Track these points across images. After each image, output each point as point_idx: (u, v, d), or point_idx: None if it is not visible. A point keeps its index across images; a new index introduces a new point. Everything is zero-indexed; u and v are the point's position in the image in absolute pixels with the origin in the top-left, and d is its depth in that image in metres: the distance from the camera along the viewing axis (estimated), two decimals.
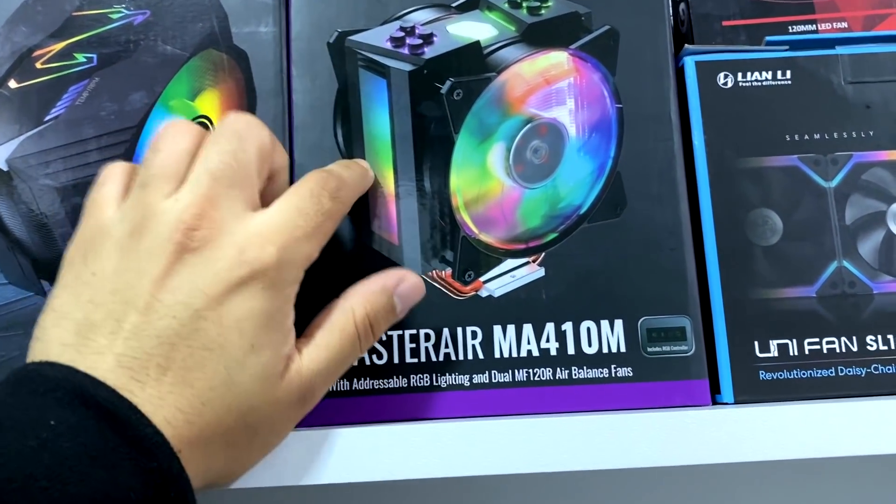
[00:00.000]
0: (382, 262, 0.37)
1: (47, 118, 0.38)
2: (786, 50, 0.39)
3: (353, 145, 0.38)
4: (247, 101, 0.38)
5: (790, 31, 0.44)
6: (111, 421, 0.26)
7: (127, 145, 0.38)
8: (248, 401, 0.29)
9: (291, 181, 0.35)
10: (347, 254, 0.37)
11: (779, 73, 0.39)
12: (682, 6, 0.45)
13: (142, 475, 0.26)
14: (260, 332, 0.29)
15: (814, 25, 0.44)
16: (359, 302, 0.33)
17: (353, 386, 0.36)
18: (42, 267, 0.37)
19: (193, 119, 0.38)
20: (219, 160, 0.30)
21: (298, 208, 0.31)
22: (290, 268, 0.30)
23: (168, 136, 0.32)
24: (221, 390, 0.29)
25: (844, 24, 0.44)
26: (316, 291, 0.34)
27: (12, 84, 0.38)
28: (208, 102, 0.38)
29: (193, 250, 0.29)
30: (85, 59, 0.39)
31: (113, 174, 0.33)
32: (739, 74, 0.39)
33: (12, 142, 0.38)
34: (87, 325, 0.28)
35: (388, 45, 0.38)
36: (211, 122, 0.38)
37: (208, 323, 0.28)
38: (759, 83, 0.39)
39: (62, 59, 0.39)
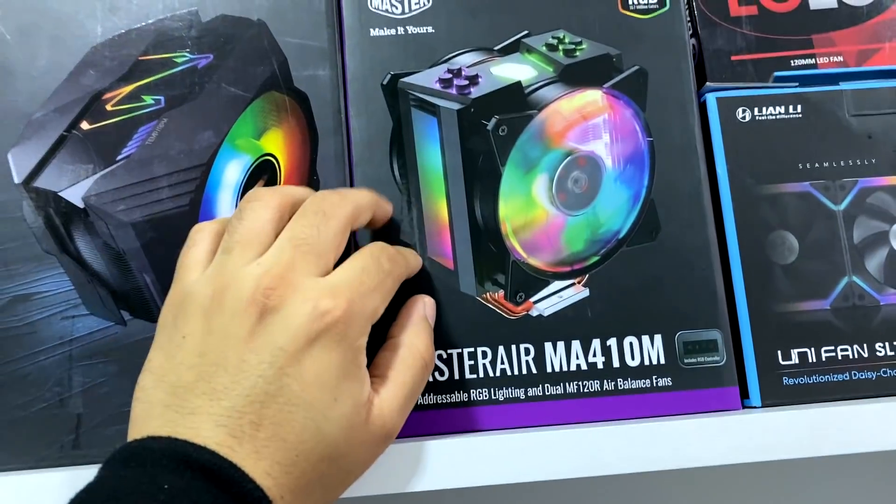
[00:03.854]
0: (440, 285, 0.40)
1: (119, 157, 0.40)
2: (795, 86, 0.43)
3: (408, 178, 0.41)
4: (309, 139, 0.41)
5: (792, 64, 0.48)
6: (216, 480, 0.28)
7: (197, 182, 0.40)
8: (338, 449, 0.32)
9: None
10: (409, 280, 0.40)
11: (790, 107, 0.43)
12: (692, 42, 0.49)
13: None
14: (339, 384, 0.32)
15: (813, 59, 0.49)
16: (415, 334, 0.36)
17: (420, 401, 0.39)
18: (120, 297, 0.40)
19: (259, 157, 0.41)
20: (302, 232, 0.33)
21: (362, 268, 0.34)
22: (358, 320, 0.32)
23: (253, 205, 0.34)
24: (312, 443, 0.31)
25: (840, 59, 0.49)
26: (386, 314, 0.37)
27: (84, 125, 0.41)
28: (273, 141, 0.41)
29: (272, 309, 0.31)
30: (153, 101, 0.41)
31: (201, 237, 0.35)
32: (756, 109, 0.43)
33: (87, 180, 0.40)
34: (182, 387, 0.31)
35: (437, 86, 0.42)
36: (276, 160, 0.41)
37: (291, 379, 0.31)
38: (774, 117, 0.43)
39: (131, 101, 0.41)
